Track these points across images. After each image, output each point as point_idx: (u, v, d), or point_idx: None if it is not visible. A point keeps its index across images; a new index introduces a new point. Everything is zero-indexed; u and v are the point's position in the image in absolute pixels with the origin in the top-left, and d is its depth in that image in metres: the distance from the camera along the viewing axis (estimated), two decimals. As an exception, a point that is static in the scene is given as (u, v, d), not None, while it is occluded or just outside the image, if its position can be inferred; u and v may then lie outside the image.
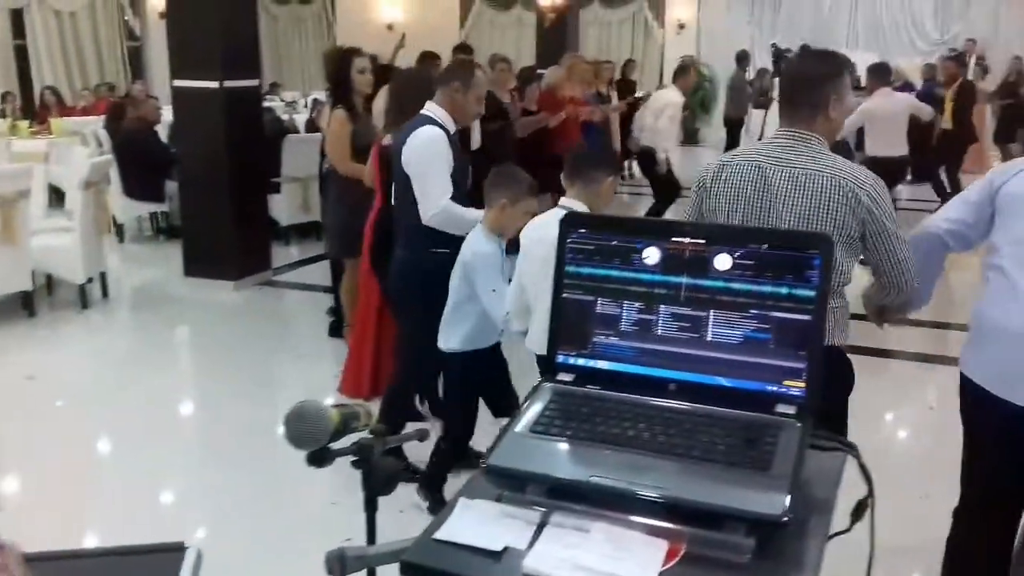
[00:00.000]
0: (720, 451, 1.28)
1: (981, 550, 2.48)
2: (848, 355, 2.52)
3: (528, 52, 11.98)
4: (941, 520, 2.79)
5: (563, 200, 3.05)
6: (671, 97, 8.26)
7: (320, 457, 1.29)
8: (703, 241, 1.42)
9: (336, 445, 1.34)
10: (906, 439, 4.49)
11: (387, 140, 4.00)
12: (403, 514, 3.23)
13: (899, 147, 7.67)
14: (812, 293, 1.37)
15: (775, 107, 11.97)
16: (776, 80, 12.17)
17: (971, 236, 2.50)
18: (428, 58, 6.65)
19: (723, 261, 1.41)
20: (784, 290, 1.38)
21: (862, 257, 2.46)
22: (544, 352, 2.97)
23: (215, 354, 5.68)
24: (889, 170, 6.59)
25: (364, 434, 1.42)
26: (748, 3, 16.61)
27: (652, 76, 16.14)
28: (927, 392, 5.02)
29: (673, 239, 1.44)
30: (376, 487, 1.41)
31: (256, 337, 5.92)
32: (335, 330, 5.64)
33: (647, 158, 8.19)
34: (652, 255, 1.44)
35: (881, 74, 7.85)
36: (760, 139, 11.68)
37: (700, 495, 1.18)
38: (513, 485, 1.28)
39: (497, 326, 3.23)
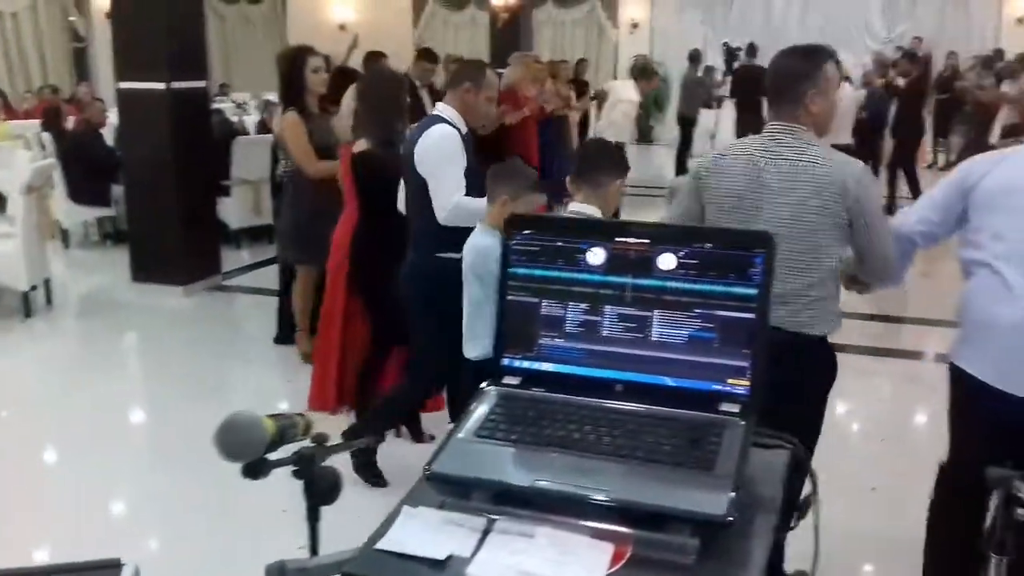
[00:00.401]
0: (665, 452, 1.27)
1: (959, 535, 2.50)
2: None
3: (482, 52, 11.96)
4: (889, 511, 2.84)
5: (573, 205, 2.99)
6: (628, 94, 8.32)
7: (256, 469, 1.26)
8: (647, 241, 1.42)
9: (275, 455, 1.31)
10: (856, 432, 4.54)
11: (359, 145, 3.87)
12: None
13: (844, 136, 7.94)
14: (755, 291, 1.37)
15: (728, 105, 12.10)
16: (728, 78, 12.31)
17: (938, 233, 2.60)
18: (375, 57, 6.59)
19: (667, 261, 1.40)
20: (728, 289, 1.38)
21: None
22: None
23: (163, 360, 5.58)
24: None
25: (306, 443, 1.38)
26: (701, 3, 16.76)
27: (607, 76, 16.19)
28: (877, 385, 5.10)
29: (618, 239, 1.43)
30: (318, 497, 1.38)
31: (205, 343, 5.82)
32: (284, 337, 5.50)
33: None
34: (597, 256, 1.43)
35: None
36: (713, 137, 11.81)
37: (645, 497, 1.17)
38: (457, 492, 1.26)
39: None
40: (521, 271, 1.45)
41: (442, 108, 3.54)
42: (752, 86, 10.09)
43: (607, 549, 1.15)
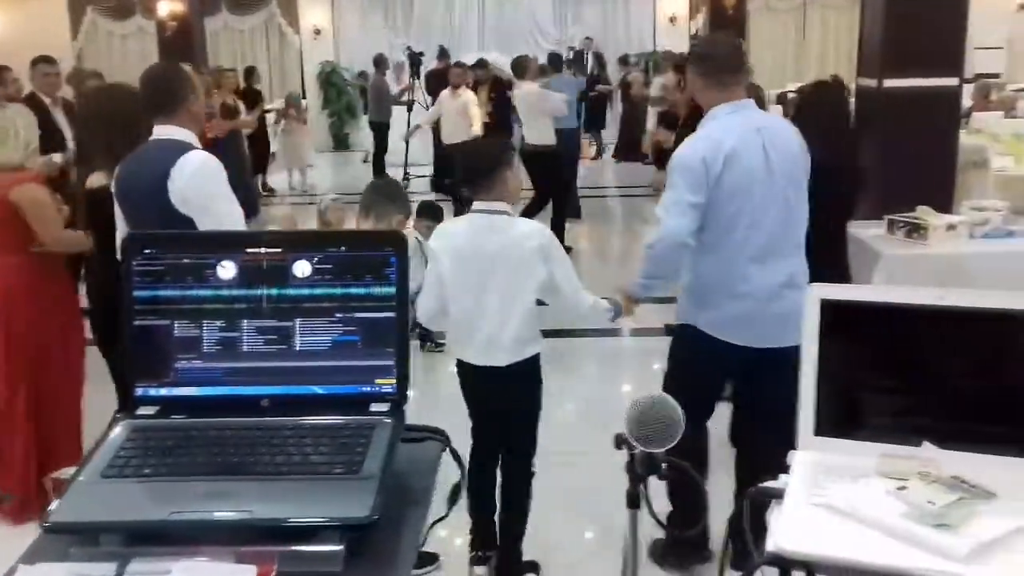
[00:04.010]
0: (311, 462, 1.25)
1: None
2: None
3: (151, 63, 11.23)
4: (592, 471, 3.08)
5: (481, 204, 2.84)
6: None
7: None
8: (279, 249, 1.39)
9: None
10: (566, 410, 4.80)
11: (95, 179, 3.29)
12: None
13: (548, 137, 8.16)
14: (392, 290, 1.39)
15: (417, 108, 12.30)
16: (416, 81, 12.51)
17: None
18: (43, 62, 6.01)
19: (303, 267, 1.38)
20: (366, 290, 1.38)
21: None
22: (510, 360, 2.85)
23: None
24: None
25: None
26: (382, 8, 16.92)
27: (293, 83, 15.89)
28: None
29: (248, 250, 1.38)
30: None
31: None
32: None
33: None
34: (228, 269, 1.38)
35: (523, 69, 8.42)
36: (407, 138, 11.92)
37: (283, 512, 1.15)
38: (85, 539, 1.16)
39: None
40: (146, 294, 1.36)
41: (171, 131, 2.88)
42: (444, 86, 10.35)
43: (249, 571, 1.11)
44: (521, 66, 8.39)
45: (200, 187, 2.75)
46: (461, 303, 2.85)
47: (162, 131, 2.88)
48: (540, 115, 8.06)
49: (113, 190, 2.98)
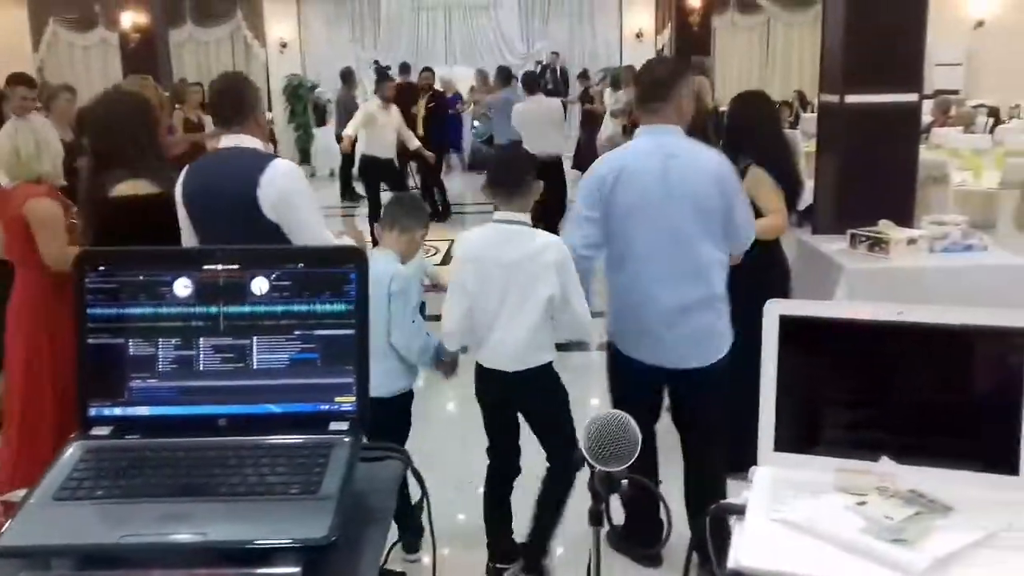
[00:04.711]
0: (268, 483, 1.23)
1: None
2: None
3: (116, 76, 11.10)
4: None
5: (502, 215, 2.90)
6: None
7: None
8: (236, 266, 1.37)
9: None
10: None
11: (129, 187, 3.09)
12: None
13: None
14: (351, 307, 1.37)
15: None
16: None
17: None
18: (23, 84, 5.82)
19: (260, 284, 1.37)
20: (325, 307, 1.37)
21: None
22: (516, 368, 2.91)
23: None
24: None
25: None
26: (349, 21, 16.88)
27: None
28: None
29: (205, 267, 1.36)
30: None
31: None
32: None
33: None
34: (184, 286, 1.36)
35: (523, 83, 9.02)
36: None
37: (238, 534, 1.13)
38: (36, 563, 1.13)
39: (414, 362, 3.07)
40: (100, 311, 1.34)
41: (246, 139, 2.91)
42: (410, 100, 10.37)
43: (203, 595, 1.09)
44: (532, 81, 8.99)
45: (291, 194, 2.80)
46: (481, 306, 2.91)
47: (232, 139, 2.91)
48: (548, 125, 8.18)
49: (181, 199, 2.92)
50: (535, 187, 2.96)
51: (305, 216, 2.83)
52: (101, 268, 1.35)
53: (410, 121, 9.78)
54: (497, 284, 2.87)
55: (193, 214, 2.92)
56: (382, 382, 2.84)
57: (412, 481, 1.43)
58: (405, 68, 13.21)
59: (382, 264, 2.96)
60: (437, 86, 12.03)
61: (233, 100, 2.94)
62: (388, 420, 2.85)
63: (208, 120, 8.38)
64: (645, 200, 2.81)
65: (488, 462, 3.14)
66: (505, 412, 3.04)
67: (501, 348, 2.90)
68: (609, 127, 9.08)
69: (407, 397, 3.10)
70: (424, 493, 1.38)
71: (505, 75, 10.18)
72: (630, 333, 2.96)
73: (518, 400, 3.01)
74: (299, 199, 2.83)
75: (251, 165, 2.83)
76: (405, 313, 2.95)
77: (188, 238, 2.96)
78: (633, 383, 2.99)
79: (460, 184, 12.86)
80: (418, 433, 3.14)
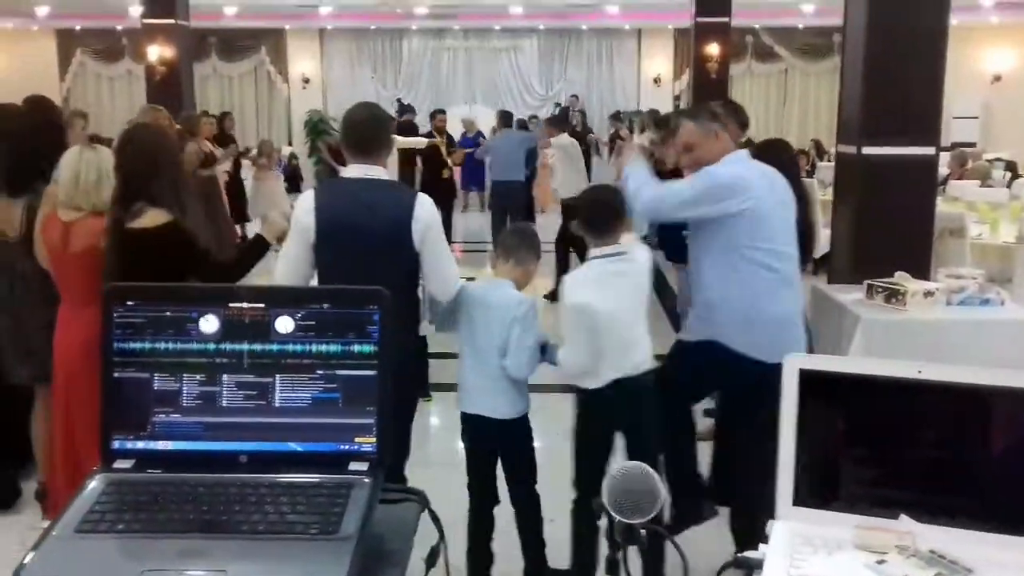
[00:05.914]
0: (288, 522, 1.24)
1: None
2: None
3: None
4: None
5: (603, 250, 3.00)
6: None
7: None
8: (262, 305, 1.39)
9: None
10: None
11: (152, 218, 3.07)
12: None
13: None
14: (375, 348, 1.38)
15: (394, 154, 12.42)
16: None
17: None
18: (81, 117, 5.88)
19: (285, 324, 1.38)
20: (348, 347, 1.38)
21: None
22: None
23: None
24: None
25: None
26: (371, 60, 17.13)
27: (280, 131, 16.00)
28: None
29: (231, 304, 1.38)
30: None
31: None
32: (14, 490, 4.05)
33: None
34: (210, 323, 1.37)
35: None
36: None
37: (258, 573, 1.13)
38: (55, 596, 1.14)
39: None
40: (128, 345, 1.36)
41: (380, 171, 2.96)
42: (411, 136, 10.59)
43: (221, 635, 1.09)
44: (560, 119, 9.47)
45: (435, 227, 2.92)
46: (614, 338, 2.95)
47: (365, 170, 2.92)
48: (574, 163, 8.31)
49: (316, 224, 2.86)
50: (626, 222, 3.09)
51: (443, 248, 2.96)
52: (129, 303, 1.37)
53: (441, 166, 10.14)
54: (628, 306, 2.99)
55: (333, 241, 2.87)
56: (501, 404, 3.02)
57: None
58: (408, 108, 13.24)
59: (506, 290, 3.06)
60: (458, 126, 12.16)
61: (376, 131, 2.98)
62: (514, 441, 3.10)
63: (219, 152, 8.31)
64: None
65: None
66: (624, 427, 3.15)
67: (634, 353, 2.99)
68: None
69: (527, 418, 3.15)
70: (441, 535, 1.38)
71: (506, 118, 10.38)
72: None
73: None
74: (439, 233, 2.95)
75: (400, 197, 2.95)
76: (525, 338, 2.99)
77: (302, 265, 2.91)
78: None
79: (480, 221, 12.90)
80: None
